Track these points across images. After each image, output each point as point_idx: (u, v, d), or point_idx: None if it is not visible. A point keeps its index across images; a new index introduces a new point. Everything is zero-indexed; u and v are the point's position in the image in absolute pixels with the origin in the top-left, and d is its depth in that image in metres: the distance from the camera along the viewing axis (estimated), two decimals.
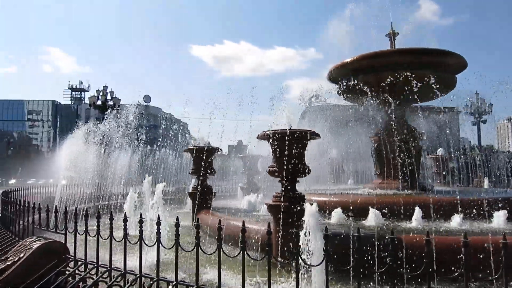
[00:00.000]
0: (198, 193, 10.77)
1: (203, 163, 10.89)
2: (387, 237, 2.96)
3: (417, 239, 5.31)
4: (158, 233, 3.41)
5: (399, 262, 2.92)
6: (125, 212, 3.82)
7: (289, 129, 6.94)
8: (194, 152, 11.09)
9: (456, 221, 7.52)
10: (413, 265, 3.50)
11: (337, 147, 18.09)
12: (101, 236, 3.64)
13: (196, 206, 10.68)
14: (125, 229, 3.44)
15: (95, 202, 12.02)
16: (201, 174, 10.98)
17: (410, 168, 11.25)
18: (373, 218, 7.80)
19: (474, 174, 23.43)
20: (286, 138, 6.73)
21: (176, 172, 21.31)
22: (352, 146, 17.83)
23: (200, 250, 3.19)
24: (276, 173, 7.00)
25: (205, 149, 10.83)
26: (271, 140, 7.08)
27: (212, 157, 11.39)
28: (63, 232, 4.03)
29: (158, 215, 3.49)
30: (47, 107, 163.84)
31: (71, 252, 3.80)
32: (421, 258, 2.83)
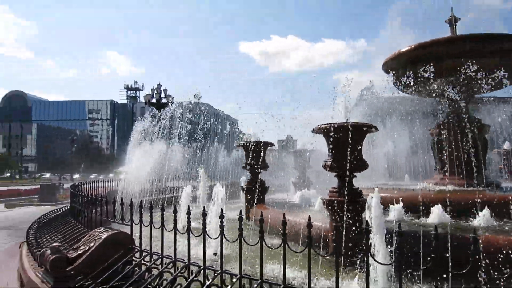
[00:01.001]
0: (252, 187, 10.82)
1: (256, 158, 10.91)
2: (470, 237, 2.73)
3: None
4: (222, 226, 3.42)
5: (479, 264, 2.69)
6: (188, 205, 3.87)
7: (346, 122, 6.74)
8: (247, 147, 11.13)
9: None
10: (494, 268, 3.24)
11: (392, 141, 17.45)
12: (165, 228, 3.72)
13: (249, 200, 10.74)
14: (188, 222, 3.48)
15: (154, 196, 12.47)
16: (254, 168, 11.02)
17: (475, 163, 10.55)
18: (437, 216, 7.39)
19: None
20: (343, 131, 6.53)
21: (227, 167, 21.60)
22: (408, 140, 17.12)
23: (264, 244, 3.14)
24: (333, 168, 6.82)
25: (258, 143, 10.84)
26: (327, 134, 6.91)
27: (265, 151, 11.38)
28: (129, 223, 4.17)
29: (221, 208, 3.49)
30: (105, 106, 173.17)
31: (137, 243, 3.92)
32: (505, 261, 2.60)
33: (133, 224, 4.08)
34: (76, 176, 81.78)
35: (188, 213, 3.55)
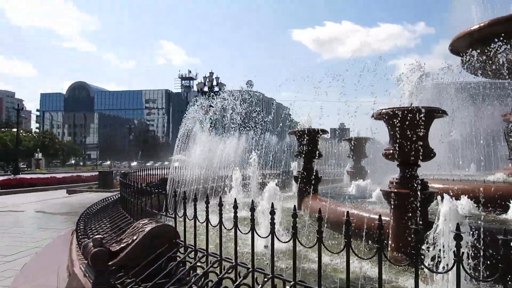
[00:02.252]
0: (305, 176, 10.37)
1: (309, 146, 10.42)
2: None
3: None
4: (273, 223, 3.02)
5: None
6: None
7: (412, 106, 6.07)
8: (300, 134, 10.66)
9: None
10: None
11: (457, 128, 16.11)
12: (210, 223, 3.39)
13: (302, 190, 10.31)
14: (235, 217, 3.11)
15: (205, 184, 12.38)
16: (307, 157, 10.54)
17: None
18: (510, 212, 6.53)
19: None
20: (408, 116, 5.88)
21: (279, 155, 21.21)
22: (475, 127, 15.73)
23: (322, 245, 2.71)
24: (395, 156, 6.20)
25: (312, 131, 10.32)
26: (389, 119, 6.29)
27: (318, 139, 10.85)
28: (173, 216, 3.90)
29: (272, 203, 3.09)
30: (161, 95, 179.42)
31: (181, 237, 3.65)
32: None
33: (177, 217, 3.82)
34: (134, 163, 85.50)
35: (235, 206, 3.18)
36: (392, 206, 6.18)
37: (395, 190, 6.08)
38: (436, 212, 4.51)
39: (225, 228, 3.21)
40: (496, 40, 9.61)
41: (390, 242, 6.03)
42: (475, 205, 7.10)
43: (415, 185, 6.05)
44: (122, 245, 3.48)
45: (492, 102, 12.48)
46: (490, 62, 10.12)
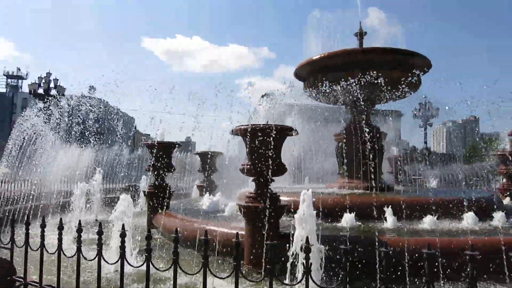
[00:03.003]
0: (157, 191, 9.94)
1: (162, 159, 10.04)
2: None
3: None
4: (123, 246, 2.68)
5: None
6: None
7: (268, 124, 6.42)
8: (153, 147, 10.19)
9: (428, 221, 7.39)
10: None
11: (298, 146, 17.85)
12: (46, 250, 2.84)
13: (153, 206, 9.83)
14: (79, 241, 2.66)
15: (38, 202, 10.71)
16: (160, 170, 10.13)
17: (373, 167, 11.13)
18: (348, 220, 7.46)
19: (416, 175, 24.20)
20: (264, 133, 6.20)
21: (127, 168, 20.01)
22: (314, 144, 17.66)
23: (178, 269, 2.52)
24: (251, 172, 6.44)
25: (165, 144, 9.99)
26: (246, 135, 6.52)
27: (172, 152, 10.57)
28: (8, 246, 3.16)
29: (123, 224, 2.76)
30: None
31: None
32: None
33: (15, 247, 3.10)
34: None
35: (79, 230, 2.72)
36: (248, 220, 6.37)
37: (251, 205, 6.29)
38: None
39: (66, 255, 2.72)
40: (331, 70, 11.06)
41: (245, 256, 6.17)
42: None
43: (269, 199, 6.37)
44: None
45: (329, 123, 14.19)
46: (324, 89, 11.52)
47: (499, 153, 14.07)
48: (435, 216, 7.44)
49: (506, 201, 11.93)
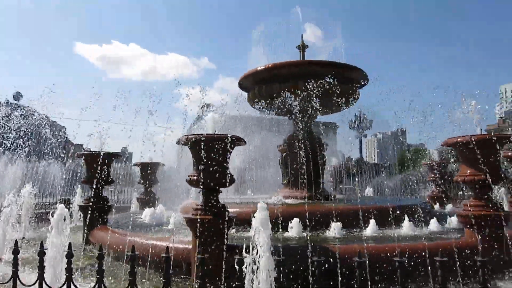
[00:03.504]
0: (93, 205, 9.32)
1: (100, 171, 9.45)
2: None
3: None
4: (70, 269, 2.40)
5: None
6: None
7: (216, 134, 6.29)
8: (89, 157, 9.58)
9: (371, 228, 7.65)
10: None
11: (240, 157, 17.83)
12: None
13: (90, 221, 9.19)
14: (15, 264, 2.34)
15: None
16: (97, 183, 9.52)
17: (316, 177, 11.40)
18: (296, 229, 7.50)
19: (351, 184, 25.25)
20: (212, 143, 6.06)
21: (59, 180, 18.63)
22: (252, 156, 17.72)
23: None
24: (199, 182, 6.24)
25: (103, 154, 9.41)
26: (193, 146, 6.32)
27: (110, 164, 10.00)
28: None
29: (70, 243, 2.48)
30: None
31: None
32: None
33: None
34: None
35: (15, 251, 2.40)
36: (195, 233, 6.14)
37: (199, 217, 6.07)
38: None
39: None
40: (278, 81, 11.20)
41: (193, 271, 5.93)
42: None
43: (217, 210, 6.21)
44: None
45: (273, 134, 14.34)
46: (269, 101, 11.64)
47: (428, 162, 15.10)
48: (376, 223, 7.72)
49: (436, 207, 12.78)
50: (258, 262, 4.12)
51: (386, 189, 23.71)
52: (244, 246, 4.50)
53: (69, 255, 2.35)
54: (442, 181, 14.73)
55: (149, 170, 14.22)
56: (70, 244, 2.40)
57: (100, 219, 9.27)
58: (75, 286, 2.21)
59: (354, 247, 5.88)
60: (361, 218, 7.93)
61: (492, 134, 6.43)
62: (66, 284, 2.23)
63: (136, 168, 17.12)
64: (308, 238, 7.26)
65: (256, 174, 19.91)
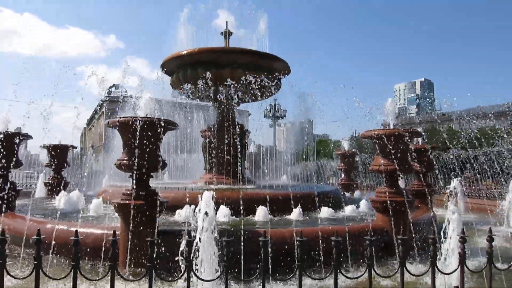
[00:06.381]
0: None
1: (5, 154, 8.53)
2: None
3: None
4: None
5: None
6: None
7: (146, 117, 6.10)
8: None
9: (296, 213, 8.07)
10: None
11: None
12: None
13: None
14: None
15: None
16: (3, 167, 8.62)
17: (239, 163, 11.61)
18: (223, 215, 7.62)
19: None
20: (145, 126, 5.88)
21: None
22: (172, 141, 17.40)
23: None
24: (129, 167, 6.02)
25: (8, 135, 8.50)
26: (124, 129, 6.08)
27: (18, 145, 9.08)
28: None
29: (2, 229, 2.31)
30: None
31: None
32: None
33: None
34: None
35: None
36: (125, 219, 5.94)
37: (129, 202, 5.88)
38: None
39: None
40: (203, 66, 11.07)
41: (121, 257, 5.75)
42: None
43: (148, 195, 6.07)
44: None
45: (194, 119, 14.19)
46: (192, 85, 11.50)
47: (341, 152, 16.28)
48: (300, 208, 8.17)
49: (348, 194, 13.90)
50: (201, 245, 4.18)
51: (299, 177, 24.96)
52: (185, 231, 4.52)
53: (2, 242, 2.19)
54: (351, 170, 16.03)
55: (59, 153, 13.15)
56: (2, 230, 2.23)
57: (7, 205, 8.41)
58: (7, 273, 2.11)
59: (284, 231, 6.23)
60: (290, 203, 8.31)
61: (401, 129, 7.21)
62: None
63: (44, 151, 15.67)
64: (236, 223, 7.49)
65: (174, 159, 19.61)
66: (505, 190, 11.11)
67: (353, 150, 16.43)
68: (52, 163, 13.31)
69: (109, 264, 2.54)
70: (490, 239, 3.69)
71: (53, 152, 13.25)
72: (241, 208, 7.23)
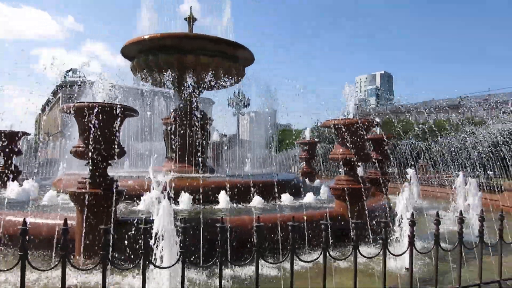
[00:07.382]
0: None
1: None
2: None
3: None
4: None
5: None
6: None
7: (103, 103, 5.91)
8: None
9: (257, 201, 8.16)
10: None
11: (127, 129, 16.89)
12: None
13: None
14: None
15: None
16: None
17: (201, 151, 11.51)
18: (183, 203, 7.58)
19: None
20: (104, 113, 5.71)
21: None
22: (131, 128, 16.98)
23: None
24: (85, 154, 5.84)
25: None
26: (80, 115, 5.87)
27: None
28: None
29: None
30: None
31: None
32: None
33: None
34: None
35: None
36: (81, 208, 5.76)
37: (85, 191, 5.71)
38: None
39: None
40: (165, 52, 10.83)
41: (77, 247, 5.59)
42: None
43: (106, 184, 5.92)
44: None
45: (155, 106, 13.88)
46: (154, 71, 11.24)
47: (303, 141, 16.52)
48: (261, 196, 8.26)
49: (308, 182, 14.18)
50: (160, 233, 4.15)
51: (262, 165, 25.16)
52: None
53: None
54: (312, 158, 16.32)
55: (12, 140, 12.50)
56: None
57: None
58: None
59: (245, 218, 6.28)
60: (251, 191, 8.36)
61: (359, 119, 7.41)
62: None
63: None
64: (200, 211, 7.48)
65: (135, 148, 19.18)
66: (454, 178, 11.72)
67: (315, 139, 16.73)
68: (0, 150, 12.62)
69: (61, 253, 2.48)
70: (437, 222, 3.90)
71: (3, 139, 12.57)
72: (200, 196, 7.20)
